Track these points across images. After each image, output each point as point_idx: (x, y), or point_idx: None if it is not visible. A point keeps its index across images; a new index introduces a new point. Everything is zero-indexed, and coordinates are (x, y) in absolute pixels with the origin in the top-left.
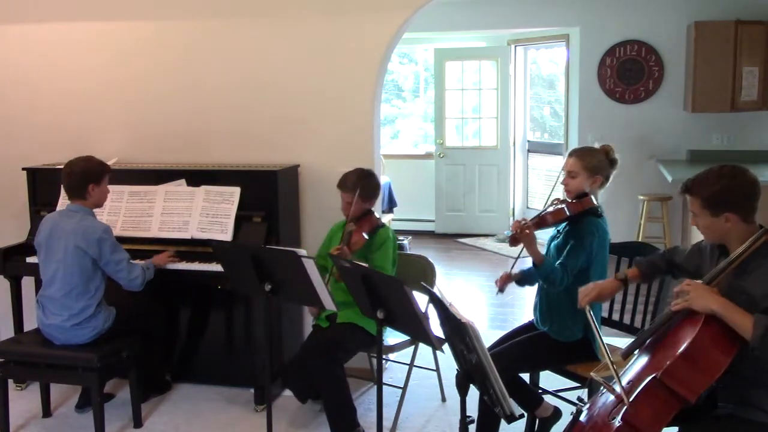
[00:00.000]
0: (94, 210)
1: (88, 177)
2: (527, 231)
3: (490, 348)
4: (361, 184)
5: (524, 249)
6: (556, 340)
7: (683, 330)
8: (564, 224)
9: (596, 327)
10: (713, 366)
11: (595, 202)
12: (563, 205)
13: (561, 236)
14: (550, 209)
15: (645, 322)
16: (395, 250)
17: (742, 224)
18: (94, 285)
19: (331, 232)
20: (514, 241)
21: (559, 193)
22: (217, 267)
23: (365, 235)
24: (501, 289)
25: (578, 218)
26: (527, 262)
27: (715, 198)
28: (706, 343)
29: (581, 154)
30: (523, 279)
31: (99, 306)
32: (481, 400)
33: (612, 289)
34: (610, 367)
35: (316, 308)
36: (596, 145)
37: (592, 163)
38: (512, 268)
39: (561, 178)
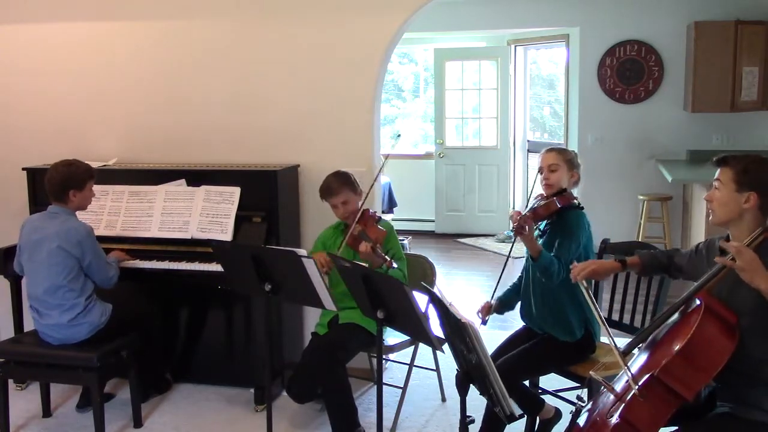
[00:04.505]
0: (83, 211)
1: (68, 184)
2: (530, 221)
3: (492, 358)
4: (345, 180)
5: (523, 243)
6: (564, 341)
7: (681, 328)
8: (545, 222)
9: (593, 303)
10: (710, 364)
11: (575, 197)
12: (553, 198)
13: (547, 233)
14: (541, 203)
15: (645, 321)
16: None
17: (757, 212)
18: (80, 284)
19: (323, 237)
20: (520, 229)
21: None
22: (217, 267)
23: (380, 227)
24: (484, 321)
25: (563, 213)
26: (514, 274)
27: (749, 172)
28: (703, 341)
29: (559, 150)
30: (502, 306)
31: (90, 300)
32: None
33: (609, 269)
34: (613, 350)
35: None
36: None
37: (570, 157)
38: (492, 297)
39: (540, 176)
